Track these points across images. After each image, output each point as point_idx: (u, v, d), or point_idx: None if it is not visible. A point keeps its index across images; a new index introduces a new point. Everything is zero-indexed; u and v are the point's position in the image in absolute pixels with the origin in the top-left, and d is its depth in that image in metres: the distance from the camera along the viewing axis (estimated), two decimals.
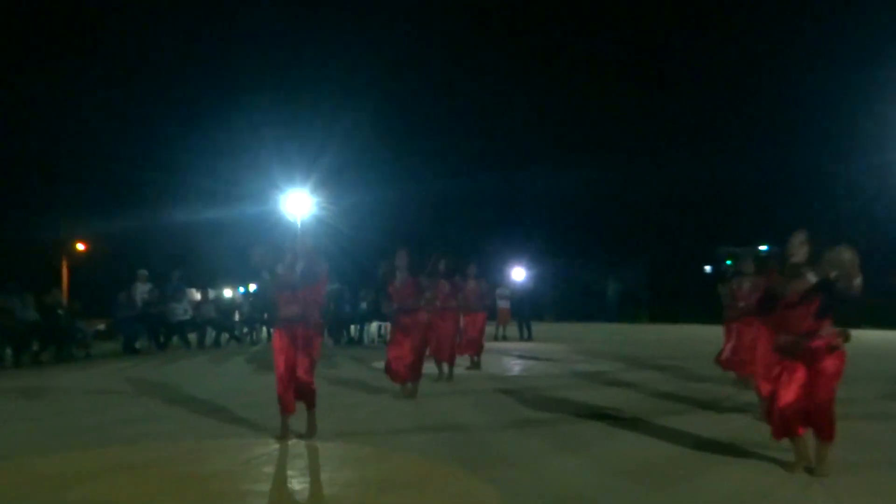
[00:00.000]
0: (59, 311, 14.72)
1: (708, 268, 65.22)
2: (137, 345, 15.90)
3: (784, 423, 4.97)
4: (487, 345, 12.31)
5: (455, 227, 36.58)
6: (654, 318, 26.10)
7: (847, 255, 4.81)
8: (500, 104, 57.25)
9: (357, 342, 17.28)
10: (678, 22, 55.01)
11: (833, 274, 4.79)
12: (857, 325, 21.83)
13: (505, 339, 17.64)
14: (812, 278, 4.86)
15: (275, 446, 6.04)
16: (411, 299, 8.41)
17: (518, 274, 20.07)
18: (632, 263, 32.37)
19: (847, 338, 4.91)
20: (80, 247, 41.04)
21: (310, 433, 6.23)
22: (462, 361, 11.31)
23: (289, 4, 58.63)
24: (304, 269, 6.26)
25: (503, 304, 18.18)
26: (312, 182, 29.25)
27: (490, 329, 17.69)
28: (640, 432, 6.38)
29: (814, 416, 4.90)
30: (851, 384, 9.58)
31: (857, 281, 4.75)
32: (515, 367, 12.11)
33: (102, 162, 43.53)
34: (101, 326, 18.01)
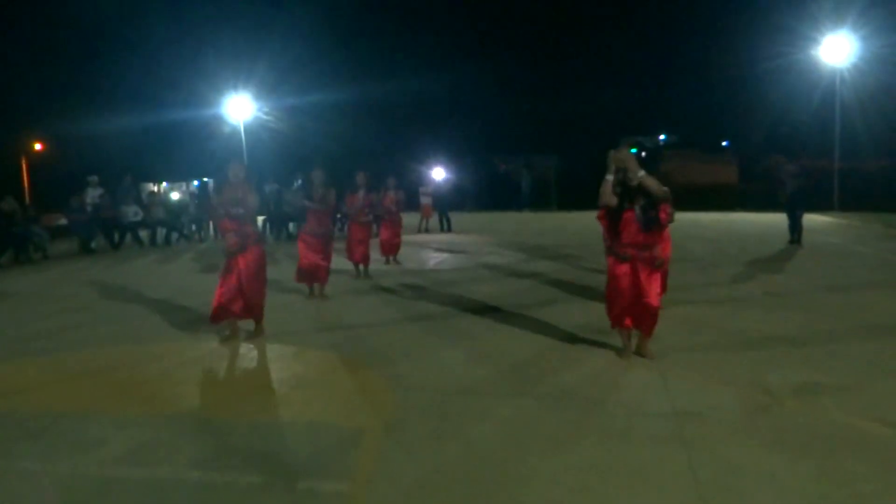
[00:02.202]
0: (15, 217, 14.27)
1: None
2: (93, 244, 15.63)
3: (616, 316, 5.43)
4: (412, 237, 12.56)
5: (386, 128, 36.06)
6: (562, 206, 26.65)
7: (622, 153, 5.10)
8: (428, 10, 55.35)
9: (296, 237, 17.26)
10: None
11: (620, 172, 5.10)
12: (731, 209, 22.88)
13: (427, 231, 17.89)
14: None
15: (207, 348, 6.23)
16: (323, 211, 8.46)
17: (438, 173, 20.19)
18: (544, 155, 32.62)
19: (661, 263, 5.34)
20: (38, 147, 39.91)
21: (256, 334, 6.51)
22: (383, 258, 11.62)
23: None
24: (238, 200, 6.34)
25: (426, 200, 18.40)
26: (254, 87, 28.39)
27: (415, 222, 17.97)
28: (521, 325, 6.74)
29: (638, 315, 5.33)
30: (710, 269, 10.27)
31: (640, 173, 4.98)
32: (431, 260, 12.39)
33: (55, 67, 41.33)
34: (62, 221, 17.47)
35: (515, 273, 10.35)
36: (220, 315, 6.32)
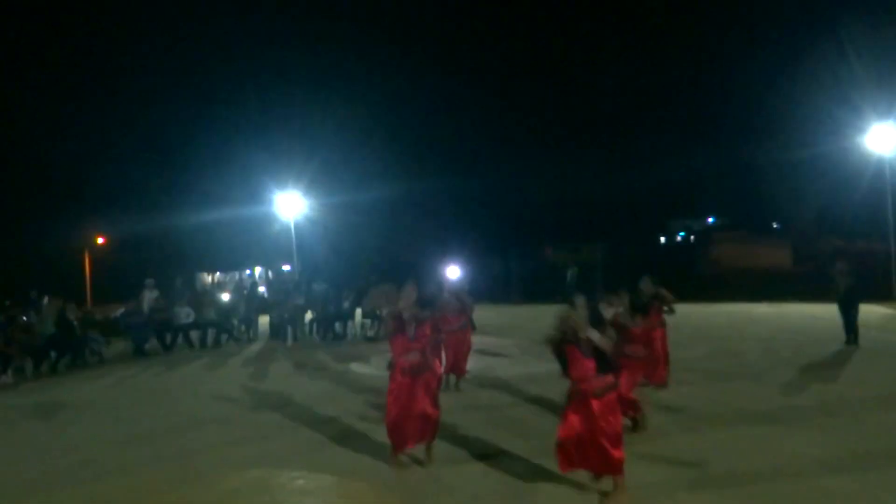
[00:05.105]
0: (75, 323, 14.80)
1: (662, 238, 65.41)
2: (147, 346, 16.05)
3: (565, 457, 5.11)
4: None
5: (431, 224, 36.71)
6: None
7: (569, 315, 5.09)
8: (478, 109, 57.62)
9: (342, 337, 17.41)
10: (621, 22, 55.24)
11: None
12: (785, 299, 22.09)
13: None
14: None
15: (250, 479, 6.20)
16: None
17: (453, 272, 19.46)
18: (591, 244, 32.71)
19: (613, 387, 5.15)
20: (101, 240, 42.18)
21: (427, 459, 6.19)
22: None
23: (281, 11, 58.24)
24: (410, 317, 6.06)
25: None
26: (304, 184, 29.40)
27: None
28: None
29: (588, 453, 5.06)
30: (763, 376, 9.96)
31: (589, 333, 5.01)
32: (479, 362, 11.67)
33: (118, 168, 44.02)
34: (120, 311, 17.96)
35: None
36: (397, 446, 6.08)
